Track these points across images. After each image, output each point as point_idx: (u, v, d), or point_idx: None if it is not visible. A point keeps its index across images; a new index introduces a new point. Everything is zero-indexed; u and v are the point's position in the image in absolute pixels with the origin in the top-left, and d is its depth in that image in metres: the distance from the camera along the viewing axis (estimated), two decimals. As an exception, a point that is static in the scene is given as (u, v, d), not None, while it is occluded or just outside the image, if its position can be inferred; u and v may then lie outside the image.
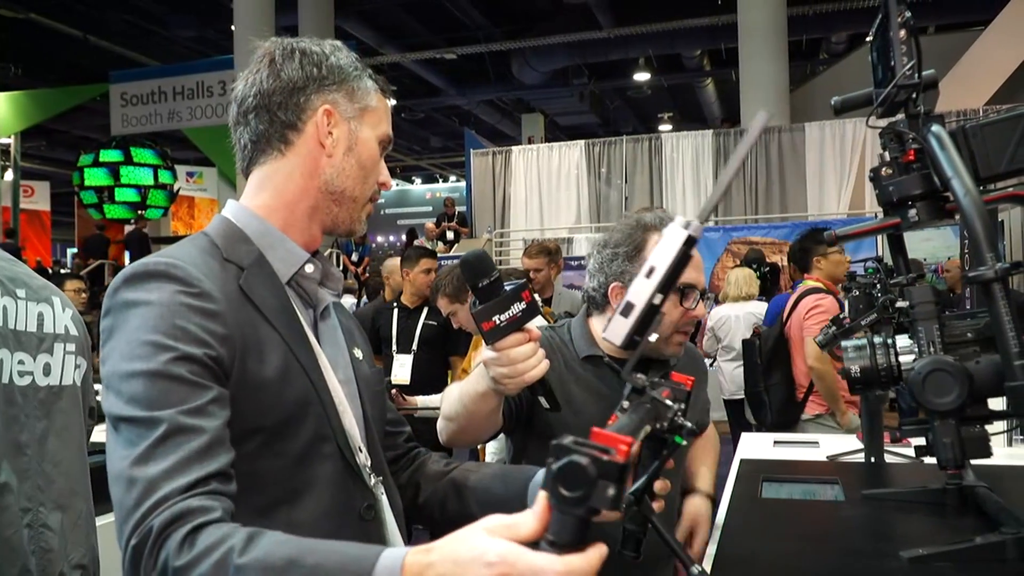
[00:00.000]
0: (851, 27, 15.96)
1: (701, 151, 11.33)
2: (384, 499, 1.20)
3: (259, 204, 1.18)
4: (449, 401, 1.46)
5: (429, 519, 1.32)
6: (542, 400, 1.28)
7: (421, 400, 3.97)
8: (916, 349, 1.31)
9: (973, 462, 1.70)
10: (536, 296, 1.23)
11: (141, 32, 16.70)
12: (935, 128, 1.23)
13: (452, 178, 26.64)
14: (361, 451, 1.17)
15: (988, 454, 1.24)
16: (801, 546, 1.38)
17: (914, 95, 1.26)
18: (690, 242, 1.00)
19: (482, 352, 1.25)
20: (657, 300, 1.01)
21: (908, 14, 1.20)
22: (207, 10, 15.48)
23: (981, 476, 1.55)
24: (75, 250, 21.69)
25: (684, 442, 1.02)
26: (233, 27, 12.89)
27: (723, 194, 1.12)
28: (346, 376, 1.21)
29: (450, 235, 13.38)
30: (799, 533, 1.46)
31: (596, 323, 1.79)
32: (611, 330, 1.05)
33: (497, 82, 19.85)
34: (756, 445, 2.17)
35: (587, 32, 16.68)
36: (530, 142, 18.55)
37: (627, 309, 1.03)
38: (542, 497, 0.71)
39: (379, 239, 21.94)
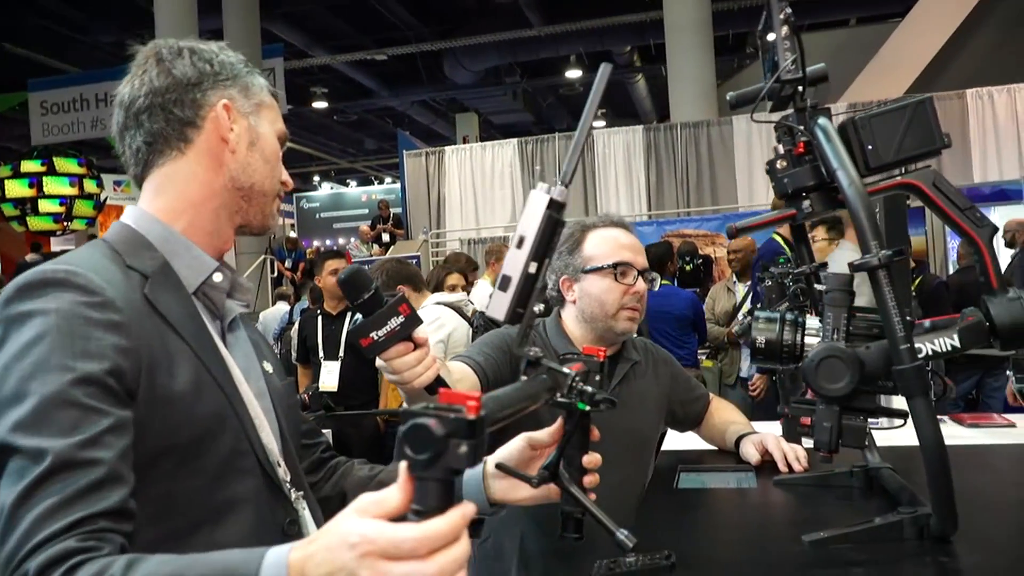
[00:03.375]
0: (775, 21, 16.30)
1: (633, 147, 11.43)
2: (306, 513, 1.17)
3: (160, 207, 1.12)
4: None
5: None
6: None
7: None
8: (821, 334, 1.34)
9: (890, 443, 1.76)
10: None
11: (60, 39, 16.16)
12: (821, 121, 1.26)
13: (388, 180, 26.44)
14: (280, 465, 1.14)
15: (862, 446, 1.28)
16: (706, 535, 1.41)
17: (800, 89, 1.29)
18: (554, 205, 1.01)
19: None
20: (532, 269, 1.02)
21: (789, 10, 1.22)
22: (128, 15, 15.07)
23: (892, 457, 1.59)
24: (-2, 265, 20.90)
25: (587, 407, 1.02)
26: (156, 32, 12.55)
27: (580, 153, 1.12)
28: (259, 389, 1.17)
29: (386, 237, 13.28)
30: (706, 522, 1.49)
31: (567, 319, 1.88)
32: (493, 307, 1.05)
33: (429, 82, 19.76)
34: (681, 437, 2.20)
35: (517, 31, 16.74)
36: (465, 141, 18.52)
37: (504, 283, 1.02)
38: (402, 468, 0.69)
39: (315, 243, 21.63)
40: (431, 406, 0.68)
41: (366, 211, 16.58)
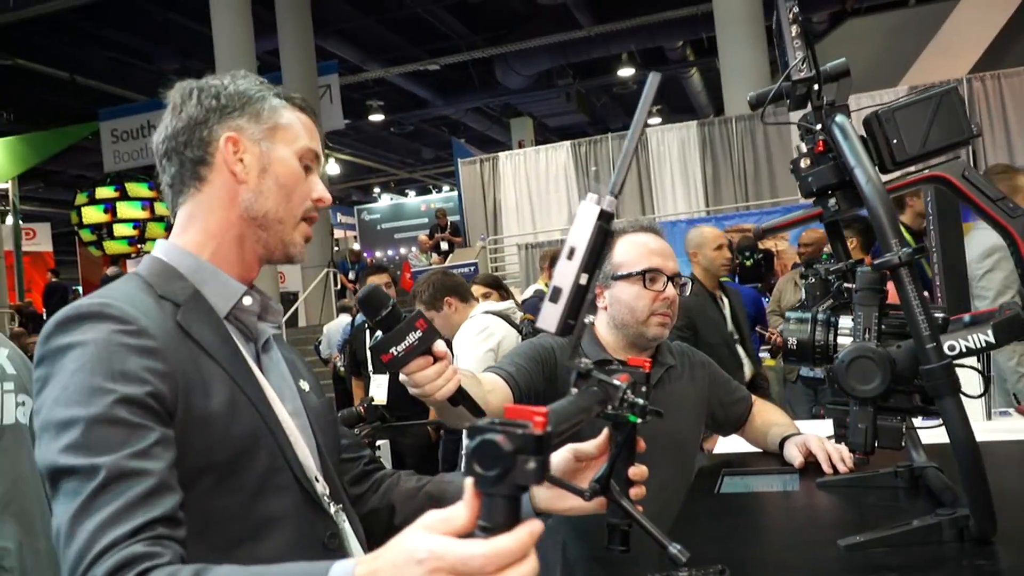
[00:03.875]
0: (831, 6, 15.94)
1: (687, 143, 11.33)
2: (347, 526, 1.19)
3: (188, 240, 1.17)
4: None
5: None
6: (464, 407, 1.31)
7: None
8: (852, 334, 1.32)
9: (932, 440, 1.71)
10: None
11: (126, 68, 16.79)
12: (839, 119, 1.24)
13: (446, 188, 26.68)
14: (318, 480, 1.16)
15: (899, 446, 1.24)
16: (745, 540, 1.39)
17: (816, 87, 1.27)
18: (604, 216, 1.01)
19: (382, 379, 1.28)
20: (583, 280, 1.02)
21: (796, 9, 1.21)
22: (189, 41, 15.57)
23: (941, 456, 1.55)
24: (80, 288, 21.81)
25: (638, 420, 1.02)
26: (215, 56, 12.94)
27: (629, 164, 1.12)
28: (295, 408, 1.20)
29: (444, 246, 13.40)
30: (745, 526, 1.46)
31: (599, 327, 1.89)
32: (543, 318, 1.05)
33: (483, 89, 19.90)
34: (731, 440, 2.18)
35: (567, 32, 16.73)
36: (520, 146, 18.58)
37: (555, 294, 1.03)
38: (469, 484, 0.69)
39: (377, 254, 21.96)
40: (498, 421, 0.68)
41: (425, 220, 16.79)
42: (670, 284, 1.82)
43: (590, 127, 23.48)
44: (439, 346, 1.24)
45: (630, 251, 1.85)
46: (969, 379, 2.71)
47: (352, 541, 1.19)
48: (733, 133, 11.12)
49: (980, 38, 11.84)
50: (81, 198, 17.68)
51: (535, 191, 12.07)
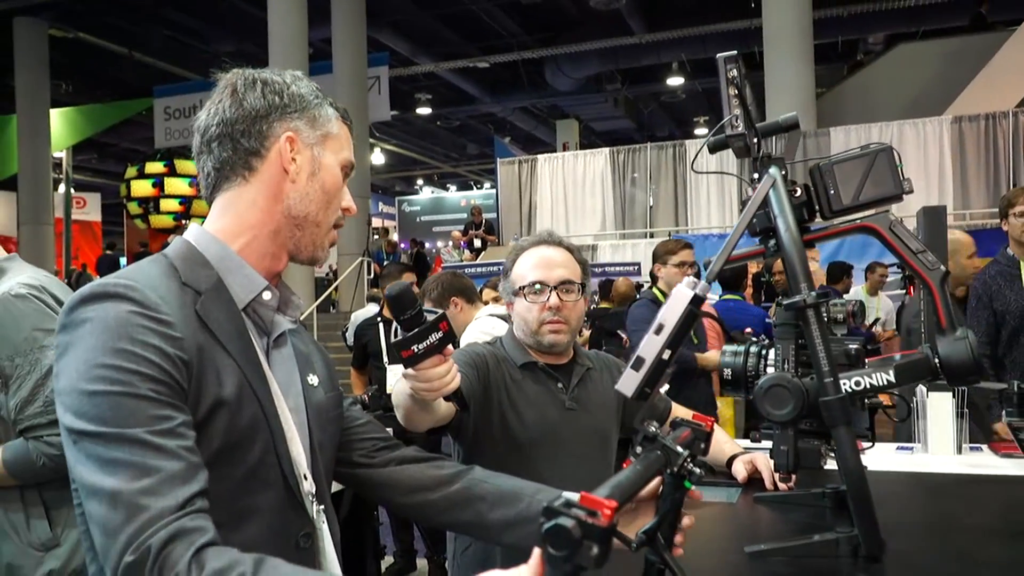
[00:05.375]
0: (887, 27, 15.81)
1: (725, 158, 11.33)
2: (324, 528, 1.21)
3: (220, 228, 1.18)
4: (396, 393, 1.63)
5: (420, 518, 1.38)
6: (454, 402, 1.46)
7: None
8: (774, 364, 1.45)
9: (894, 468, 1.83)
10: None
11: (182, 47, 17.23)
12: (771, 171, 1.37)
13: (487, 185, 26.89)
14: (306, 479, 1.18)
15: (818, 465, 1.37)
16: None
17: (755, 141, 1.40)
18: (696, 301, 1.13)
19: (400, 369, 1.41)
20: (666, 356, 1.14)
21: (734, 72, 1.34)
22: (244, 25, 15.92)
23: (880, 480, 1.68)
24: (124, 259, 22.38)
25: (692, 487, 1.10)
26: (269, 41, 13.25)
27: (728, 257, 1.30)
28: (295, 404, 1.21)
29: (477, 243, 13.59)
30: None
31: (518, 333, 2.02)
32: (623, 383, 1.18)
33: (531, 89, 20.03)
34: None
35: (618, 38, 16.78)
36: (565, 148, 18.71)
37: (638, 363, 1.15)
38: (536, 554, 0.80)
39: (415, 246, 22.26)
40: (568, 503, 0.79)
41: (464, 215, 16.98)
42: (554, 293, 1.92)
43: (636, 133, 23.51)
44: (450, 347, 1.34)
45: (521, 267, 1.98)
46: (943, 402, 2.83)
47: (327, 543, 1.21)
48: (775, 150, 11.10)
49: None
50: (131, 171, 18.19)
51: (571, 195, 12.20)
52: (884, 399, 4.04)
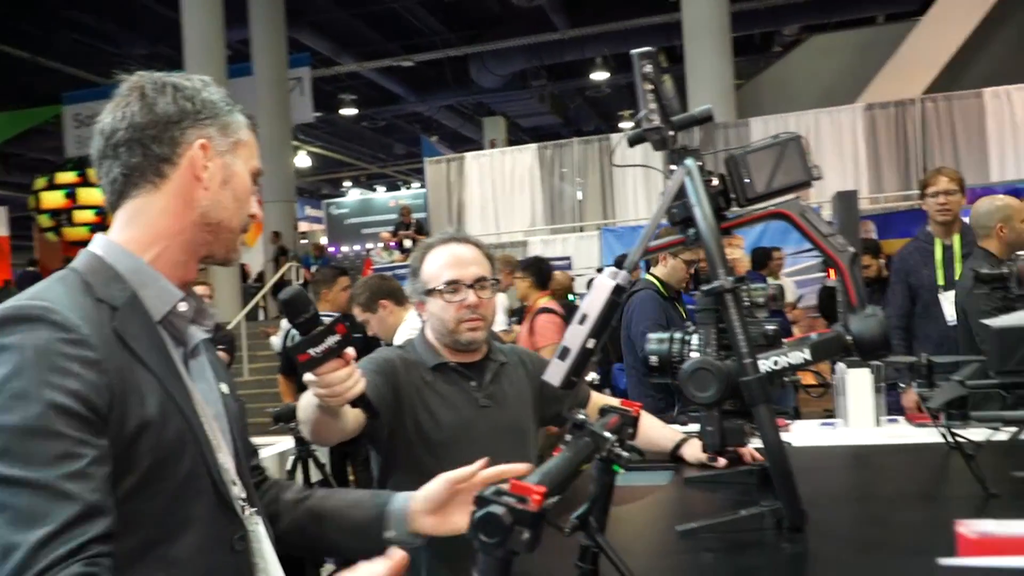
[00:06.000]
0: (802, 19, 16.29)
1: (650, 150, 11.50)
2: (260, 529, 1.23)
3: (129, 239, 1.16)
4: (301, 408, 1.63)
5: (290, 546, 1.36)
6: (361, 407, 1.45)
7: None
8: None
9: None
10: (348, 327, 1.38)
11: (92, 51, 16.67)
12: (687, 162, 1.42)
13: (416, 185, 26.78)
14: (235, 484, 1.20)
15: (744, 443, 1.43)
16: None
17: (672, 133, 1.45)
18: (618, 290, 1.16)
19: (305, 376, 1.39)
20: (590, 344, 1.16)
21: (648, 68, 1.39)
22: (158, 26, 15.50)
23: (805, 455, 1.75)
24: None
25: (622, 471, 1.13)
26: (184, 44, 12.94)
27: (646, 246, 1.35)
28: (216, 412, 1.22)
29: (408, 243, 13.53)
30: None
31: (429, 335, 2.02)
32: (549, 372, 1.21)
33: (456, 87, 20.03)
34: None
35: (542, 34, 16.93)
36: (492, 145, 18.72)
37: (563, 353, 1.18)
38: (398, 555, 0.91)
39: (344, 249, 22.00)
40: (498, 491, 0.81)
41: (394, 216, 16.88)
42: (471, 291, 1.93)
43: (563, 129, 23.71)
44: (349, 351, 1.33)
45: (432, 266, 1.96)
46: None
47: (264, 543, 1.23)
48: (696, 142, 11.32)
49: (935, 60, 12.20)
50: (40, 182, 17.46)
51: (500, 192, 12.23)
52: (809, 378, 4.18)
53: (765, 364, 1.38)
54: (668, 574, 1.28)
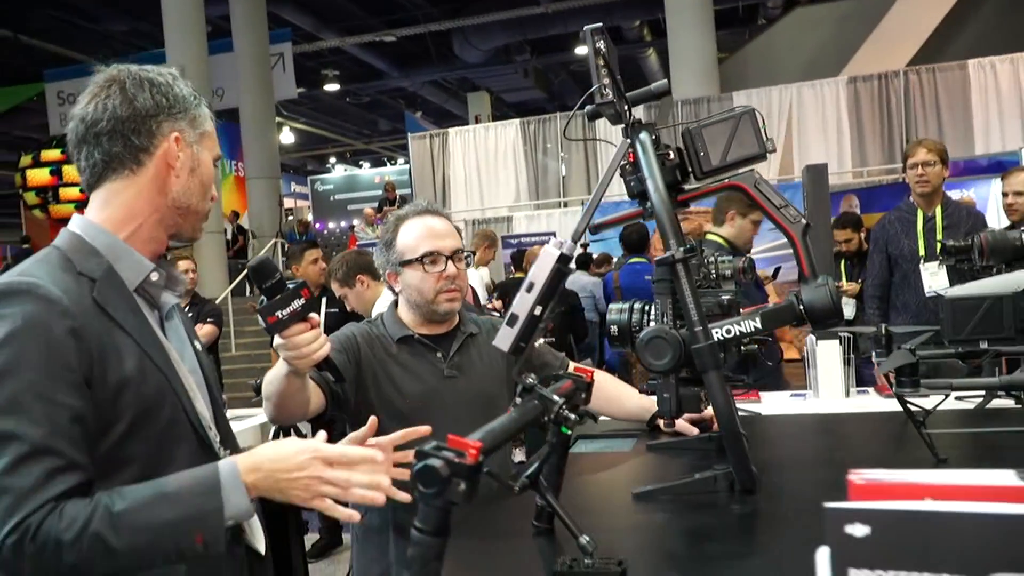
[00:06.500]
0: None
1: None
2: None
3: (106, 218, 1.30)
4: (266, 383, 1.68)
5: None
6: (328, 374, 1.56)
7: None
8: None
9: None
10: (312, 293, 1.45)
11: (73, 29, 16.45)
12: (641, 136, 1.45)
13: (401, 160, 26.65)
14: (211, 429, 1.35)
15: (699, 410, 1.48)
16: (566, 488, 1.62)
17: (626, 108, 1.48)
18: (563, 259, 1.21)
19: (275, 340, 1.46)
20: (537, 311, 1.21)
21: (600, 45, 1.41)
22: (137, 3, 15.31)
23: (773, 423, 1.80)
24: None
25: (570, 432, 1.20)
26: (164, 20, 12.78)
27: (591, 217, 1.43)
28: (192, 367, 1.38)
29: (392, 219, 13.48)
30: (572, 478, 1.70)
31: (400, 308, 2.06)
32: (499, 338, 1.26)
33: (440, 62, 19.87)
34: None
35: (525, 8, 16.80)
36: (477, 121, 18.67)
37: (512, 320, 1.24)
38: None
39: (330, 225, 21.93)
40: (438, 446, 0.87)
41: (379, 192, 16.84)
42: (450, 262, 1.98)
43: (548, 103, 23.60)
44: (314, 316, 1.45)
45: (409, 237, 1.99)
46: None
47: None
48: (678, 116, 11.34)
49: (919, 31, 12.22)
50: (26, 159, 17.32)
51: (484, 167, 12.23)
52: (792, 352, 4.21)
53: (718, 332, 1.42)
54: (621, 533, 1.33)
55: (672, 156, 1.55)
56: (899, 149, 10.81)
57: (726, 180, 1.55)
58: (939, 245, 3.88)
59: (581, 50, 19.20)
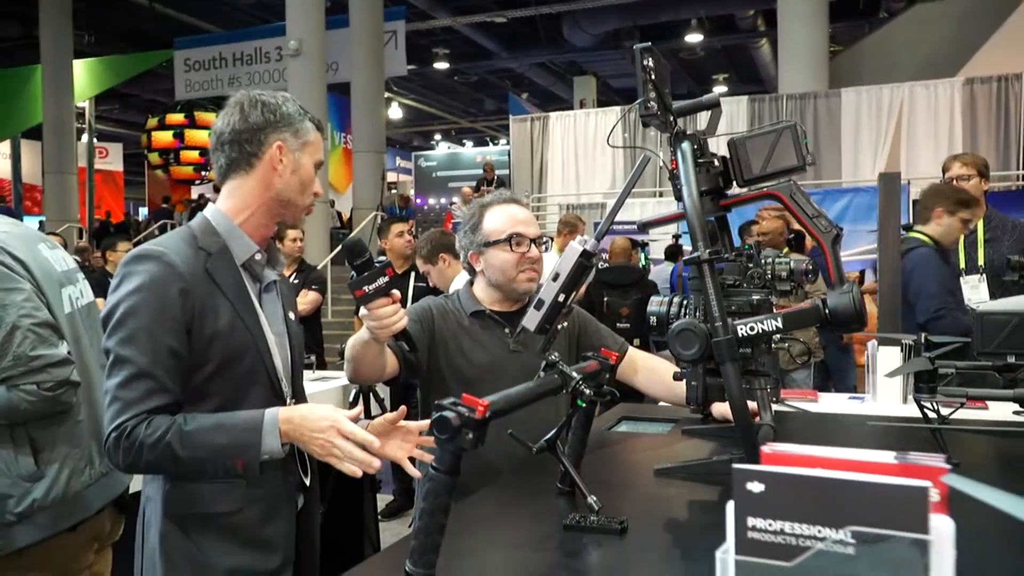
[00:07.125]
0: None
1: (736, 118, 11.41)
2: None
3: (228, 207, 1.68)
4: (349, 346, 1.90)
5: None
6: (404, 344, 1.77)
7: None
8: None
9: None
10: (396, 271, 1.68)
11: (203, 0, 17.34)
12: (683, 145, 1.59)
13: (503, 141, 26.93)
14: (282, 381, 1.69)
15: (723, 399, 1.61)
16: (594, 462, 1.78)
17: (672, 119, 1.61)
18: (586, 255, 1.40)
19: (360, 311, 1.70)
20: (561, 298, 1.40)
21: (649, 62, 1.54)
22: (264, -22, 16.00)
23: (822, 421, 1.91)
24: (146, 208, 22.77)
25: (583, 404, 1.38)
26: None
27: (613, 219, 1.66)
28: (279, 330, 1.74)
29: (489, 199, 13.72)
30: (610, 455, 1.86)
31: (476, 286, 2.23)
32: (527, 319, 1.46)
33: (548, 45, 19.98)
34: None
35: (637, -7, 16.73)
36: (582, 105, 18.72)
37: (539, 304, 1.44)
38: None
39: (430, 201, 22.44)
40: (454, 402, 1.06)
41: (480, 171, 17.16)
42: (533, 245, 2.15)
43: (654, 91, 23.36)
44: (395, 292, 1.68)
45: (496, 221, 2.16)
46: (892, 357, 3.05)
47: None
48: (783, 111, 11.17)
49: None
50: (152, 122, 18.48)
51: (582, 153, 12.33)
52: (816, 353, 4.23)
53: (742, 328, 1.55)
54: (633, 501, 1.49)
55: (717, 163, 1.68)
56: (1015, 155, 10.38)
57: (764, 188, 1.67)
58: (981, 258, 3.84)
59: (692, 37, 18.99)
